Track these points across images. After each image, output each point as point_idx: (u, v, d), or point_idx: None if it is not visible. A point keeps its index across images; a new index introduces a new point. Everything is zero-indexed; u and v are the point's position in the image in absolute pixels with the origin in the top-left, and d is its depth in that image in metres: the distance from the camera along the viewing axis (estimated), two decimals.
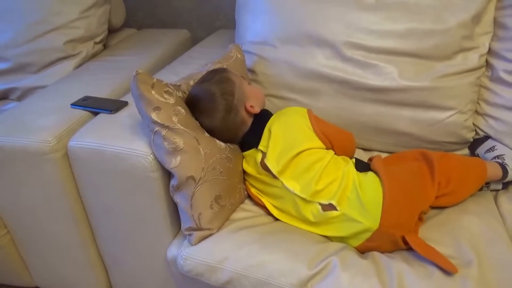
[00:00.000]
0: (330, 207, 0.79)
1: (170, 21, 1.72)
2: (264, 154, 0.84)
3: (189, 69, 1.14)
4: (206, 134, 0.83)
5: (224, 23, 1.64)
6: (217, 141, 0.84)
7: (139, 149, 0.81)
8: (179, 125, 0.78)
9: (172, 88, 0.83)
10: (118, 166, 0.83)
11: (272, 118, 0.89)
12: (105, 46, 1.41)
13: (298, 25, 1.03)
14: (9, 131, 0.89)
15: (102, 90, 1.06)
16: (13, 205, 0.97)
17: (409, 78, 0.96)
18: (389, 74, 0.98)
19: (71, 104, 0.98)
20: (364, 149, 1.08)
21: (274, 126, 0.86)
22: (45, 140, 0.86)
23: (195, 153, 0.78)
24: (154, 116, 0.76)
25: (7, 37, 1.20)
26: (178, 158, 0.77)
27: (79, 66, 1.26)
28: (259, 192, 0.88)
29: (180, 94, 0.85)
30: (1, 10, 1.20)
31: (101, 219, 0.94)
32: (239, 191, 0.89)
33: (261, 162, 0.85)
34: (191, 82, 0.92)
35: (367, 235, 0.77)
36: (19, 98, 1.27)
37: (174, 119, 0.78)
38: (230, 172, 0.84)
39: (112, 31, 1.49)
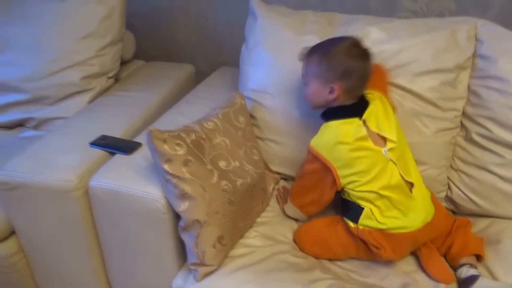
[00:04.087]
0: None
1: (175, 54, 1.83)
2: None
3: (195, 109, 1.25)
4: (213, 180, 0.93)
5: (226, 59, 1.76)
6: (222, 185, 0.95)
7: (153, 193, 0.92)
8: (188, 175, 0.89)
9: (185, 135, 0.93)
10: (133, 207, 0.94)
11: None
12: (116, 78, 1.52)
13: (292, 77, 1.15)
14: (34, 168, 0.99)
15: (116, 129, 1.16)
16: (32, 233, 1.07)
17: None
18: None
19: (90, 143, 1.08)
20: None
21: None
22: (68, 179, 0.96)
23: (201, 199, 0.89)
24: (166, 167, 0.87)
25: (27, 71, 1.30)
26: (186, 203, 0.88)
27: (93, 100, 1.36)
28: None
29: (193, 137, 0.94)
30: (25, 46, 1.30)
31: (113, 251, 1.04)
32: (240, 229, 1.00)
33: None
34: (205, 124, 1.02)
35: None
36: (35, 127, 1.37)
37: (184, 169, 0.89)
38: (232, 214, 0.95)
39: (122, 63, 1.59)
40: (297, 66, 1.13)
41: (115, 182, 0.95)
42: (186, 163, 0.89)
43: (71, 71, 1.32)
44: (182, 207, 0.88)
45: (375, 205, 0.94)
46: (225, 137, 1.02)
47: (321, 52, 0.96)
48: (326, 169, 0.95)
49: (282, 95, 1.16)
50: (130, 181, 0.95)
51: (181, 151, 0.90)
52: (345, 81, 0.93)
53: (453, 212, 1.14)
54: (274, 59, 1.17)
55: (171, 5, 1.71)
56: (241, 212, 1.00)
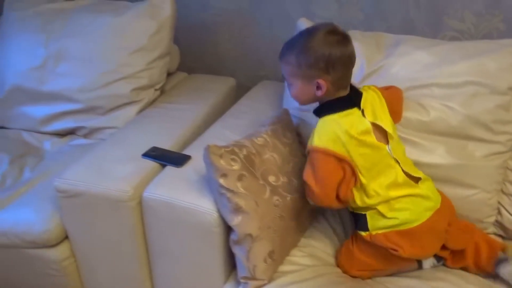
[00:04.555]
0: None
1: (216, 67, 1.87)
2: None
3: (240, 123, 1.28)
4: (265, 195, 0.95)
5: (267, 73, 1.78)
6: (273, 200, 0.96)
7: (205, 206, 0.95)
8: (242, 189, 0.91)
9: (238, 151, 0.96)
10: (185, 219, 0.97)
11: None
12: (161, 90, 1.56)
13: None
14: (92, 178, 1.04)
15: (165, 141, 1.20)
16: (84, 239, 1.11)
17: (440, 155, 1.08)
18: (422, 150, 1.09)
19: (142, 155, 1.11)
20: None
21: None
22: (123, 189, 1.00)
23: (254, 213, 0.91)
24: (221, 181, 0.90)
25: (81, 82, 1.37)
26: (240, 217, 0.90)
27: (141, 111, 1.41)
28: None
29: (245, 152, 0.97)
30: (80, 58, 1.36)
31: (161, 260, 1.06)
32: (289, 245, 1.01)
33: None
34: (255, 140, 1.03)
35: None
36: (86, 136, 1.42)
37: (238, 184, 0.91)
38: (283, 230, 0.97)
39: (167, 74, 1.64)
40: None
41: (168, 194, 0.98)
42: (240, 178, 0.91)
43: (122, 83, 1.37)
44: (236, 220, 0.90)
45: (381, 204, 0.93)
46: (274, 153, 1.04)
47: (295, 51, 0.90)
48: (341, 163, 0.90)
49: None
50: (182, 193, 0.98)
51: (235, 166, 0.92)
52: (331, 73, 0.88)
53: (502, 237, 1.12)
54: None
55: (215, 20, 1.76)
56: (290, 228, 1.01)
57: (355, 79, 1.14)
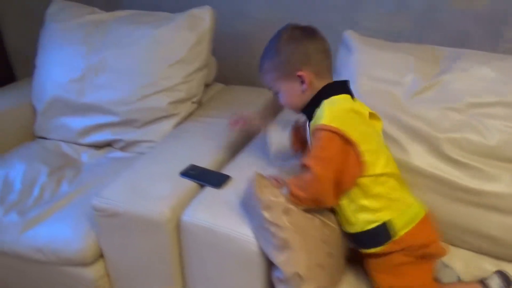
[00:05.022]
0: None
1: (253, 78, 1.81)
2: None
3: (282, 139, 1.21)
4: (313, 230, 0.88)
5: None
6: (322, 235, 0.89)
7: (248, 234, 0.89)
8: (288, 224, 0.84)
9: (281, 181, 0.90)
10: (226, 245, 0.91)
11: None
12: (198, 103, 1.53)
13: (389, 120, 1.06)
14: (130, 198, 1.00)
15: (203, 158, 1.15)
16: (120, 258, 1.08)
17: (506, 183, 0.98)
18: (485, 177, 0.99)
19: (181, 174, 1.07)
20: (452, 245, 1.08)
21: None
22: (162, 211, 0.96)
23: (302, 251, 0.84)
24: (266, 214, 0.84)
25: (120, 95, 1.34)
26: (285, 254, 0.83)
27: (178, 124, 1.38)
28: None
29: None
30: (119, 71, 1.34)
31: (198, 285, 1.02)
32: (336, 284, 0.93)
33: None
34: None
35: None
36: (122, 149, 1.40)
37: (284, 218, 0.85)
38: (332, 268, 0.90)
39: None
40: (394, 112, 1.05)
41: (208, 218, 0.93)
42: (286, 211, 0.85)
43: (160, 96, 1.34)
44: (281, 258, 0.83)
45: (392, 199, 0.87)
46: None
47: (269, 57, 0.91)
48: (346, 146, 0.82)
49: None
50: (223, 219, 0.92)
51: (281, 198, 0.86)
52: (309, 64, 0.87)
53: None
54: (371, 101, 1.06)
55: (253, 30, 1.71)
56: (339, 266, 0.94)
57: (406, 95, 1.07)
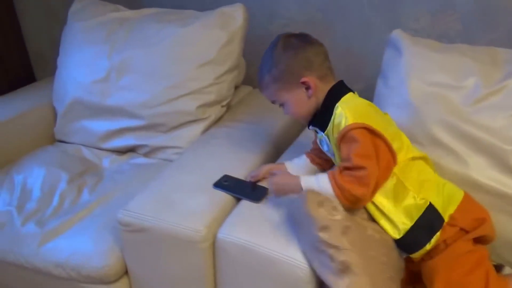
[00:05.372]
0: None
1: None
2: None
3: None
4: (372, 251, 0.78)
5: None
6: (380, 256, 0.79)
7: (296, 258, 0.78)
8: (348, 245, 0.74)
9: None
10: (267, 269, 0.81)
11: None
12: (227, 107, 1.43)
13: (442, 128, 0.96)
14: (160, 211, 0.91)
15: (237, 168, 1.05)
16: (146, 276, 0.98)
17: None
18: None
19: (214, 185, 0.98)
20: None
21: None
22: (196, 229, 0.86)
23: (364, 275, 0.74)
24: (322, 235, 0.74)
25: (145, 97, 1.26)
26: (347, 280, 0.73)
27: (206, 129, 1.28)
28: None
29: None
30: (144, 72, 1.26)
31: None
32: None
33: None
34: None
35: None
36: (146, 155, 1.31)
37: (343, 238, 0.75)
38: None
39: None
40: (452, 120, 0.95)
41: (246, 237, 0.83)
42: (345, 230, 0.75)
43: (188, 99, 1.25)
44: (342, 285, 0.73)
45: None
46: None
47: (267, 69, 0.89)
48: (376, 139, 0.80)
49: (434, 145, 0.98)
50: (265, 238, 0.82)
51: (338, 216, 0.75)
52: (311, 68, 0.86)
53: None
54: (424, 107, 0.99)
55: (284, 31, 1.61)
56: None
57: (466, 101, 0.96)
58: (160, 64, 1.25)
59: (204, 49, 1.26)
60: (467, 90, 0.97)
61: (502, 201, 0.92)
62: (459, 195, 0.85)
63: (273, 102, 0.92)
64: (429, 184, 0.85)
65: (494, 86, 0.96)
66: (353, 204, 0.79)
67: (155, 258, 0.93)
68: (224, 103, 1.35)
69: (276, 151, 1.21)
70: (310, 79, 0.85)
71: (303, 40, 0.89)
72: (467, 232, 0.81)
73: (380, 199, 0.81)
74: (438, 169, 0.95)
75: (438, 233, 0.80)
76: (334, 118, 0.83)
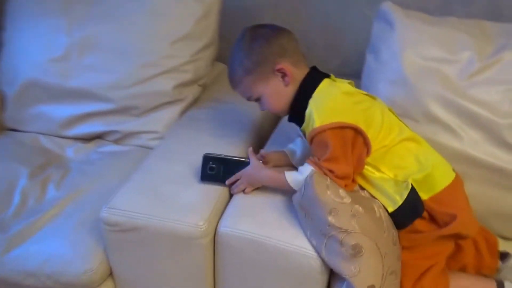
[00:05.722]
0: None
1: None
2: None
3: None
4: (384, 232, 0.74)
5: (319, 65, 1.55)
6: (391, 235, 0.76)
7: (307, 248, 0.74)
8: (358, 228, 0.70)
9: None
10: (276, 262, 0.76)
11: None
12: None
13: (439, 102, 0.95)
14: (151, 207, 0.81)
15: (227, 152, 0.96)
16: (136, 279, 0.89)
17: None
18: None
19: (201, 180, 0.87)
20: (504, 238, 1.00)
21: None
22: (195, 224, 0.78)
23: (375, 258, 0.71)
24: (331, 219, 0.69)
25: (115, 78, 1.12)
26: (357, 265, 0.70)
27: (184, 111, 1.18)
28: None
29: None
30: (112, 48, 1.11)
31: None
32: None
33: None
34: None
35: None
36: (117, 141, 1.19)
37: (353, 221, 0.71)
38: (399, 272, 0.77)
39: None
40: (447, 95, 0.94)
41: (252, 229, 0.77)
42: (354, 213, 0.70)
43: (163, 78, 1.13)
44: (353, 270, 0.69)
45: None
46: None
47: (238, 63, 0.84)
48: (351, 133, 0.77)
49: (431, 122, 0.96)
50: (272, 229, 0.76)
51: (347, 199, 0.71)
52: (285, 55, 0.82)
53: None
54: (420, 82, 0.96)
55: (258, 3, 1.51)
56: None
57: (462, 75, 0.95)
58: (129, 40, 1.12)
59: (178, 22, 1.14)
60: (462, 64, 0.96)
61: (495, 175, 0.93)
62: (444, 181, 0.82)
63: (249, 98, 0.87)
64: (413, 168, 0.81)
65: (488, 59, 0.95)
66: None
67: (146, 258, 0.84)
68: (201, 82, 1.24)
69: (263, 131, 1.14)
70: (285, 65, 0.81)
71: (272, 28, 0.85)
72: (438, 224, 0.79)
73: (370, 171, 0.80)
74: (434, 145, 0.94)
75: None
76: (307, 116, 0.79)
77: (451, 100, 0.95)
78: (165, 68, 1.13)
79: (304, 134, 0.84)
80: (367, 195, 0.80)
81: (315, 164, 0.76)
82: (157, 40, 1.12)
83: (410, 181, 0.78)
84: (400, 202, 0.78)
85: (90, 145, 1.19)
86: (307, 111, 0.79)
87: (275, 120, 1.18)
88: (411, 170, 0.79)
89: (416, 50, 0.99)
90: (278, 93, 0.83)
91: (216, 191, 0.86)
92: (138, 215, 0.79)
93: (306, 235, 0.75)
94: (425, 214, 0.79)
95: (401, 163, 0.80)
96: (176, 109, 1.17)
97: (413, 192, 0.78)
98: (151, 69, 1.12)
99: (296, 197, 0.76)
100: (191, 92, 1.20)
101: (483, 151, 0.93)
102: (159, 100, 1.14)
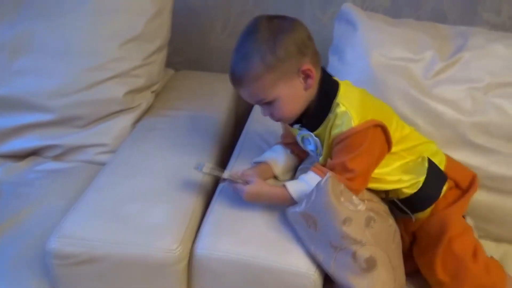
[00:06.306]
0: None
1: (206, 62, 1.54)
2: None
3: (271, 130, 0.99)
4: (393, 243, 0.70)
5: None
6: (398, 245, 0.72)
7: (299, 265, 0.66)
8: (371, 239, 0.65)
9: None
10: (265, 284, 0.67)
11: None
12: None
13: (413, 97, 0.94)
14: (112, 232, 0.68)
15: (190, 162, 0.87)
16: None
17: None
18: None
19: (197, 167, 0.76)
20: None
21: None
22: (168, 248, 0.67)
23: (387, 272, 0.66)
24: (345, 229, 0.63)
25: (55, 84, 0.97)
26: (371, 280, 0.64)
27: (137, 121, 1.05)
28: None
29: None
30: (52, 49, 0.97)
31: None
32: None
33: None
34: None
35: None
36: (58, 157, 1.02)
37: (367, 232, 0.65)
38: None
39: None
40: (415, 93, 0.93)
41: (235, 248, 0.68)
42: (368, 222, 0.65)
43: (112, 84, 1.00)
44: (365, 285, 0.63)
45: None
46: None
47: (261, 58, 0.70)
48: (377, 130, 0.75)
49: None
50: (258, 246, 0.68)
51: (361, 206, 0.65)
52: (306, 54, 0.72)
53: None
54: (388, 81, 0.95)
55: (206, 4, 1.43)
56: None
57: (426, 74, 0.95)
58: (71, 40, 0.98)
59: (129, 21, 1.02)
60: (426, 63, 0.96)
61: None
62: (443, 153, 0.87)
63: (258, 101, 0.74)
64: (422, 147, 0.83)
65: (449, 59, 0.97)
66: None
67: None
68: (154, 88, 1.13)
69: (225, 138, 1.06)
70: (309, 66, 0.72)
71: (291, 21, 0.74)
72: (462, 189, 0.81)
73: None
74: None
75: (446, 184, 0.79)
76: (335, 118, 0.72)
77: (418, 99, 0.95)
78: (114, 72, 1.00)
79: (317, 140, 0.76)
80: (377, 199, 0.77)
81: (321, 171, 0.70)
82: (104, 41, 0.99)
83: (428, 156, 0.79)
84: (425, 174, 0.77)
85: (24, 164, 1.01)
86: (338, 111, 0.72)
87: (238, 126, 1.10)
88: (423, 148, 0.81)
89: (382, 50, 0.98)
90: (297, 96, 0.73)
91: (188, 208, 0.76)
92: (96, 243, 0.66)
93: (309, 249, 0.67)
94: (451, 183, 0.80)
95: (414, 145, 0.80)
96: (128, 118, 1.04)
97: (430, 162, 0.79)
98: (98, 73, 0.99)
99: (296, 208, 0.68)
100: (144, 99, 1.08)
101: (449, 149, 0.94)
102: (108, 108, 1.01)
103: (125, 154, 0.90)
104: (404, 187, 0.77)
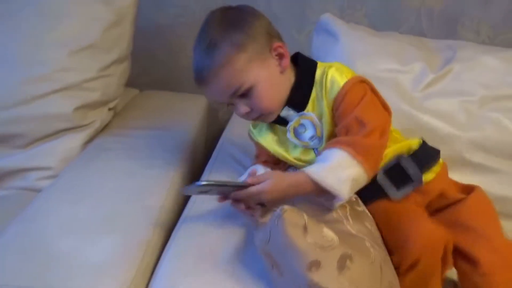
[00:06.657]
0: None
1: (173, 82, 1.43)
2: None
3: (243, 150, 0.88)
4: (380, 283, 0.56)
5: None
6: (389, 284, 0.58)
7: None
8: (348, 286, 0.51)
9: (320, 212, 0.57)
10: None
11: None
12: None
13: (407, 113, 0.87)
14: (42, 273, 0.52)
15: (151, 186, 0.73)
16: None
17: None
18: (507, 182, 0.86)
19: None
20: None
21: None
22: None
23: None
24: (312, 277, 0.49)
25: None
26: None
27: (89, 141, 0.91)
28: None
29: (330, 217, 0.58)
30: None
31: None
32: None
33: None
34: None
35: None
36: None
37: (342, 279, 0.51)
38: None
39: None
40: (404, 107, 0.86)
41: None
42: (343, 263, 0.51)
43: (59, 97, 0.87)
44: None
45: None
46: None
47: (229, 40, 0.64)
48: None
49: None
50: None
51: (333, 241, 0.52)
52: (274, 35, 0.69)
53: None
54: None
55: (174, 21, 1.34)
56: None
57: (416, 86, 0.88)
58: (10, 45, 0.84)
59: (82, 28, 0.90)
60: (415, 74, 0.90)
61: None
62: None
63: (233, 93, 0.65)
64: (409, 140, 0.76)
65: (439, 70, 0.90)
66: (376, 163, 0.64)
67: None
68: (112, 105, 1.00)
69: (194, 161, 0.92)
70: (280, 44, 0.66)
71: (249, 8, 0.70)
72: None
73: None
74: None
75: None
76: (325, 85, 0.66)
77: (408, 112, 0.87)
78: (63, 84, 0.86)
79: (315, 118, 0.69)
80: (362, 208, 0.66)
81: (346, 144, 0.61)
82: (53, 47, 0.87)
83: None
84: (421, 142, 0.74)
85: None
86: (328, 75, 0.67)
87: (208, 149, 0.97)
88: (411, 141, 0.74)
89: (367, 61, 0.90)
90: (274, 81, 0.67)
91: (142, 239, 0.61)
92: None
93: None
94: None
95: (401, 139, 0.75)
96: (78, 137, 0.89)
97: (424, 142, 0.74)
98: (42, 85, 0.85)
99: (258, 239, 0.55)
100: (99, 117, 0.94)
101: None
102: (53, 125, 0.87)
103: (67, 177, 0.75)
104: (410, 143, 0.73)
